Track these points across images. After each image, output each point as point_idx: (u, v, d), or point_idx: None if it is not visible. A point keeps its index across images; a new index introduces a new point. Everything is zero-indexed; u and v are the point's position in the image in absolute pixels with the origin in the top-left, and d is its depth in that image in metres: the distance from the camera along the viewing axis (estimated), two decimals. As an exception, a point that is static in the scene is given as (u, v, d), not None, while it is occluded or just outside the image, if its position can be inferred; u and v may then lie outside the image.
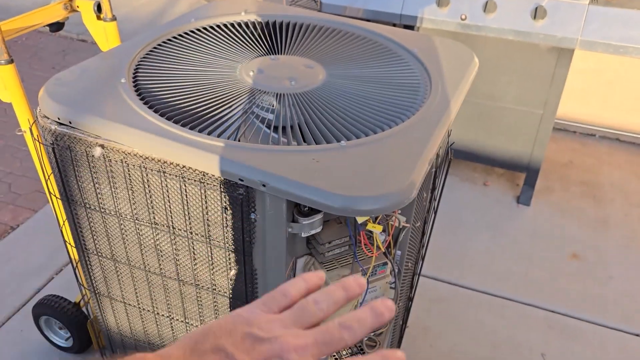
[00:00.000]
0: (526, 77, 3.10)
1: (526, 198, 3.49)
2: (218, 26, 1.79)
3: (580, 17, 2.77)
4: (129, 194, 1.36)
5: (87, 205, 1.46)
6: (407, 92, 1.52)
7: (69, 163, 1.38)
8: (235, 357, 0.52)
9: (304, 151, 1.23)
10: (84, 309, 2.30)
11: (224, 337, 0.54)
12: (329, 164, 1.19)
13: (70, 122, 1.32)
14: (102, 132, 1.29)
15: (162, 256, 1.45)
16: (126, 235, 1.46)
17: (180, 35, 1.72)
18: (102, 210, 1.44)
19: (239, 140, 1.30)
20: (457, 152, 3.45)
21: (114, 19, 1.96)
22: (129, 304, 1.65)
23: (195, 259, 1.40)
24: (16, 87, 1.69)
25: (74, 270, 1.76)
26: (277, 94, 1.45)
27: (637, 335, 2.68)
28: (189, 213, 1.31)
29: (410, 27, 3.06)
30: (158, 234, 1.40)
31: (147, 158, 1.27)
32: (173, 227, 1.37)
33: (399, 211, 1.36)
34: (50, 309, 2.28)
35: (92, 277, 1.66)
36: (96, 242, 1.54)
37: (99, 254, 1.57)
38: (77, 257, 1.65)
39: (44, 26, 1.89)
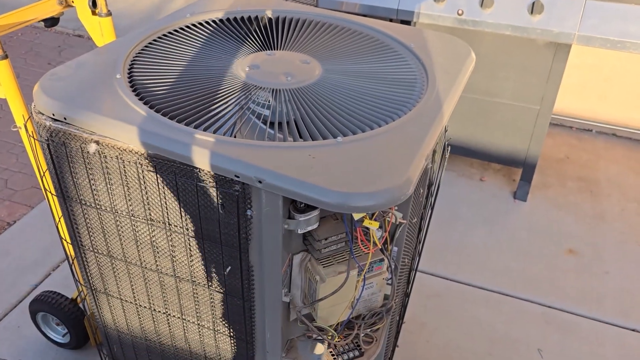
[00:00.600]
0: (523, 72, 3.10)
1: (523, 193, 3.49)
2: (214, 21, 1.78)
3: (577, 12, 2.76)
4: (124, 191, 1.35)
5: (83, 202, 1.45)
6: (403, 87, 1.51)
7: (64, 159, 1.38)
8: None
9: (300, 147, 1.22)
10: (80, 305, 2.29)
11: None
12: (325, 160, 1.19)
13: (65, 118, 1.31)
14: (97, 128, 1.28)
15: (158, 253, 1.45)
16: (122, 232, 1.45)
17: (175, 30, 1.71)
18: (98, 206, 1.43)
19: (234, 137, 1.30)
20: (453, 147, 3.45)
21: (109, 14, 1.95)
22: (126, 301, 1.65)
23: (191, 256, 1.40)
24: (11, 82, 1.68)
25: (70, 266, 1.75)
26: (273, 90, 1.45)
27: (634, 330, 2.69)
28: (184, 210, 1.31)
29: (407, 23, 3.05)
30: (154, 230, 1.40)
31: (142, 154, 1.26)
32: (169, 224, 1.36)
33: (396, 207, 1.36)
34: (47, 305, 2.28)
35: (89, 274, 1.65)
36: (92, 238, 1.53)
37: (95, 250, 1.56)
38: (73, 253, 1.64)
39: (39, 21, 1.88)
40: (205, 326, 1.56)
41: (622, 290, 2.90)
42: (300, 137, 1.30)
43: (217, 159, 1.18)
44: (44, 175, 1.53)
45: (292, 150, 1.21)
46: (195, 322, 1.56)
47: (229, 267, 1.36)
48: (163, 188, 1.29)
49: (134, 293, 1.61)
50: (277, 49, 1.67)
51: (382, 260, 1.40)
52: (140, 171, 1.29)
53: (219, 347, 1.59)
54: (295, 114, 1.38)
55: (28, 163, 3.64)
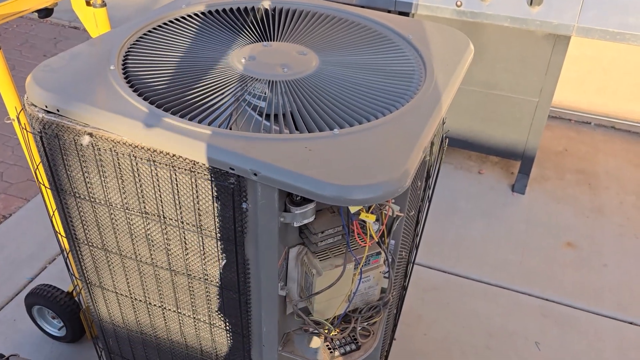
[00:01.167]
0: (522, 64, 3.08)
1: (521, 186, 3.49)
2: (209, 12, 1.76)
3: (577, 4, 2.74)
4: (118, 183, 1.34)
5: (77, 195, 1.44)
6: (401, 79, 1.50)
7: (58, 152, 1.36)
8: None
9: (296, 139, 1.21)
10: (76, 298, 2.28)
11: None
12: (322, 152, 1.17)
13: (58, 110, 1.29)
14: (90, 120, 1.27)
15: (153, 246, 1.43)
16: (116, 225, 1.44)
17: (170, 21, 1.69)
18: (92, 199, 1.42)
19: (230, 129, 1.28)
20: (451, 140, 3.44)
21: (103, 5, 1.92)
22: (121, 294, 1.64)
23: (186, 249, 1.39)
24: (3, 73, 1.66)
25: (65, 260, 1.74)
26: (269, 81, 1.43)
27: (632, 323, 2.69)
28: (179, 202, 1.29)
29: (405, 14, 3.03)
30: (149, 223, 1.38)
31: (136, 147, 1.24)
32: (164, 217, 1.35)
33: (393, 200, 1.35)
34: (42, 299, 2.26)
35: (84, 267, 1.64)
36: (86, 231, 1.52)
37: (90, 243, 1.55)
38: (67, 246, 1.63)
39: (33, 12, 1.86)
40: (201, 320, 1.54)
41: (620, 283, 2.90)
42: (297, 129, 1.29)
43: (212, 151, 1.16)
44: (37, 168, 1.51)
45: (288, 143, 1.19)
46: (191, 316, 1.55)
47: (225, 261, 1.35)
48: (157, 180, 1.28)
49: (129, 286, 1.59)
50: (273, 40, 1.65)
51: (379, 253, 1.39)
52: (134, 164, 1.27)
53: (215, 340, 1.58)
54: (292, 105, 1.36)
55: (24, 156, 3.62)
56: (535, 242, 3.14)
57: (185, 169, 1.22)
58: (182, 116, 1.26)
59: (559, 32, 2.82)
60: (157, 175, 1.27)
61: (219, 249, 1.33)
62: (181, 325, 1.60)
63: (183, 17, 1.71)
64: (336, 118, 1.31)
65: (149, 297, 1.59)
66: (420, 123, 1.30)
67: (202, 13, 1.75)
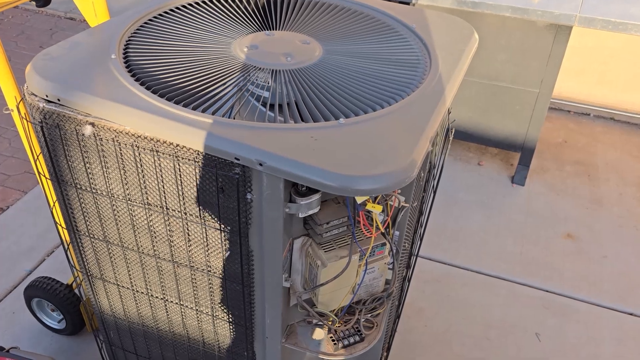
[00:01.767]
0: (523, 55, 3.07)
1: (520, 178, 3.48)
2: (211, 0, 1.73)
3: (578, -6, 2.73)
4: (121, 174, 1.32)
5: (78, 186, 1.42)
6: (406, 68, 1.48)
7: (59, 142, 1.34)
8: None
9: (301, 129, 1.19)
10: (76, 290, 2.27)
11: None
12: (328, 142, 1.16)
13: (59, 100, 1.27)
14: (92, 109, 1.25)
15: (155, 237, 1.42)
16: (118, 216, 1.42)
17: (172, 10, 1.66)
18: (94, 190, 1.40)
19: (233, 119, 1.26)
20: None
21: (102, -7, 1.89)
22: (122, 286, 1.62)
23: (189, 240, 1.37)
24: (2, 62, 1.63)
25: (66, 252, 1.72)
26: (272, 71, 1.41)
27: (632, 314, 2.70)
28: (183, 193, 1.28)
29: (406, 3, 3.00)
30: (151, 214, 1.37)
31: (139, 137, 1.23)
32: (167, 208, 1.33)
33: (399, 191, 1.33)
34: (41, 291, 2.25)
35: (84, 259, 1.62)
36: (88, 223, 1.50)
37: (91, 235, 1.53)
38: (68, 238, 1.61)
39: (30, 1, 1.83)
40: (204, 312, 1.53)
41: (619, 275, 2.90)
42: (301, 119, 1.27)
43: (216, 141, 1.15)
44: (37, 158, 1.49)
45: (293, 132, 1.18)
46: (194, 308, 1.54)
47: (228, 252, 1.34)
48: (160, 171, 1.26)
49: (131, 279, 1.58)
50: (276, 29, 1.63)
51: (383, 244, 1.38)
52: (137, 154, 1.26)
53: (217, 332, 1.57)
54: (296, 95, 1.34)
55: (21, 147, 3.59)
56: (535, 234, 3.14)
57: (189, 159, 1.20)
58: (185, 105, 1.24)
59: (560, 22, 2.80)
60: (160, 165, 1.25)
61: (222, 240, 1.32)
62: (183, 317, 1.59)
63: (184, 6, 1.69)
64: (341, 107, 1.30)
65: (151, 289, 1.57)
66: (426, 113, 1.29)
67: (204, 2, 1.72)
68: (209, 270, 1.41)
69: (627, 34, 2.72)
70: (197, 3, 1.71)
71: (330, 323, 1.46)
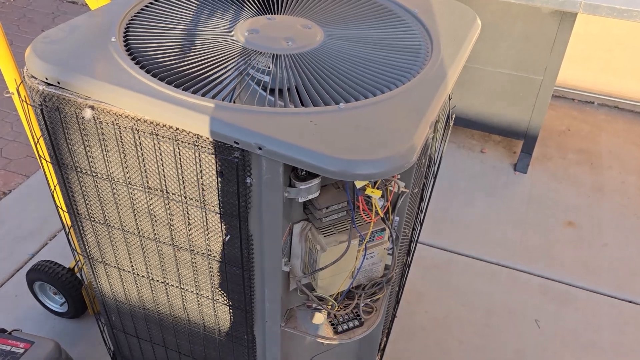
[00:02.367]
0: (526, 42, 3.05)
1: (523, 165, 3.48)
2: (212, -16, 1.72)
3: (584, -20, 2.70)
4: (121, 157, 1.32)
5: (79, 169, 1.42)
6: (407, 53, 1.47)
7: (59, 125, 1.34)
8: None
9: (301, 113, 1.19)
10: (78, 274, 2.28)
11: None
12: (327, 126, 1.16)
13: (58, 82, 1.27)
14: (92, 92, 1.24)
15: (155, 221, 1.42)
16: (119, 200, 1.43)
17: (172, -7, 1.65)
18: (94, 174, 1.40)
19: (234, 103, 1.26)
20: (454, 118, 3.41)
21: (103, -24, 1.88)
22: (123, 270, 1.63)
23: (189, 224, 1.38)
24: (2, 45, 1.63)
25: (67, 235, 1.73)
26: (273, 55, 1.41)
27: (631, 302, 2.70)
28: (182, 177, 1.28)
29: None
30: (151, 198, 1.37)
31: (139, 120, 1.22)
32: (167, 192, 1.33)
33: (399, 176, 1.33)
34: (44, 275, 2.26)
35: (85, 243, 1.63)
36: (88, 206, 1.51)
37: (92, 219, 1.54)
38: (69, 222, 1.62)
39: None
40: (204, 295, 1.54)
41: (619, 263, 2.91)
42: (302, 103, 1.27)
43: (215, 125, 1.14)
44: (38, 141, 1.49)
45: (293, 116, 1.17)
46: (194, 292, 1.55)
47: (228, 236, 1.34)
48: (160, 155, 1.26)
49: (131, 262, 1.59)
50: (277, 14, 1.62)
51: (383, 229, 1.38)
52: (136, 137, 1.26)
53: (217, 316, 1.58)
54: (297, 80, 1.34)
55: (23, 132, 3.59)
56: (536, 221, 3.14)
57: (189, 143, 1.20)
58: (185, 89, 1.24)
59: (565, 9, 2.78)
60: (160, 149, 1.25)
61: (222, 224, 1.32)
62: (184, 301, 1.60)
63: (185, -11, 1.68)
64: (341, 92, 1.29)
65: (151, 273, 1.58)
66: (426, 98, 1.28)
67: (204, -15, 1.71)
68: (208, 254, 1.42)
69: (632, 21, 2.69)
70: (198, -14, 1.70)
71: (329, 307, 1.47)
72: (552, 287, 2.75)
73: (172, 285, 1.58)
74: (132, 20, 1.50)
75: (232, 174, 1.20)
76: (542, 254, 2.93)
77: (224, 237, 1.35)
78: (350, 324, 1.51)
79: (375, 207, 1.28)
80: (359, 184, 1.23)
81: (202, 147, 1.20)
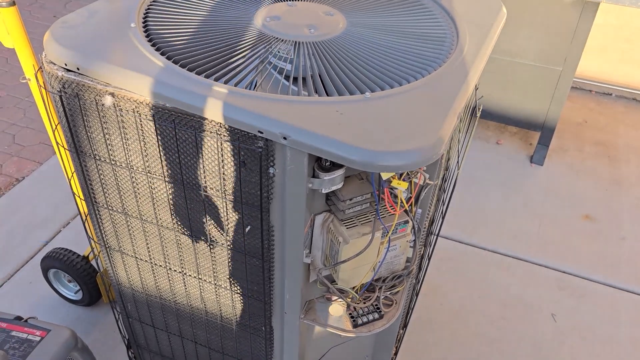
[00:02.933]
0: (547, 31, 2.99)
1: (539, 157, 3.43)
2: (231, -31, 1.69)
3: (608, -32, 2.64)
4: (141, 146, 1.30)
5: (97, 157, 1.40)
6: (432, 42, 1.44)
7: (78, 112, 1.32)
8: None
9: (326, 103, 1.16)
10: (92, 262, 2.28)
11: None
12: (354, 116, 1.13)
13: (78, 69, 1.25)
14: (111, 79, 1.22)
15: (175, 211, 1.40)
16: (138, 189, 1.41)
17: (191, -22, 1.62)
18: (113, 162, 1.38)
19: (256, 91, 1.23)
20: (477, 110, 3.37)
21: (120, -39, 1.85)
22: (141, 259, 1.62)
23: (209, 215, 1.36)
24: (19, 30, 1.61)
25: (83, 223, 1.72)
26: (295, 42, 1.37)
27: (649, 296, 2.67)
28: (204, 167, 1.26)
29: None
30: (171, 187, 1.35)
31: (159, 108, 1.20)
32: (187, 181, 1.31)
33: (425, 168, 1.30)
34: (58, 262, 2.26)
35: (102, 231, 1.62)
36: (106, 195, 1.49)
37: (110, 207, 1.52)
38: (86, 210, 1.60)
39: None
40: (222, 286, 1.53)
41: (637, 256, 2.86)
42: (325, 92, 1.24)
43: (239, 114, 1.12)
44: (55, 128, 1.47)
45: (318, 106, 1.15)
46: (212, 282, 1.53)
47: (249, 227, 1.32)
48: (182, 144, 1.24)
49: (149, 251, 1.57)
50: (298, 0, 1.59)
51: (406, 222, 1.35)
52: (157, 126, 1.23)
53: (235, 307, 1.56)
54: (319, 68, 1.30)
55: (35, 118, 3.58)
56: (553, 214, 3.10)
57: (211, 132, 1.18)
58: (205, 77, 1.21)
59: (587, -2, 2.72)
60: (180, 138, 1.23)
61: (243, 215, 1.30)
62: (201, 291, 1.59)
63: (204, -26, 1.64)
64: (366, 81, 1.26)
65: (169, 263, 1.57)
66: (454, 88, 1.25)
67: (224, -30, 1.67)
68: (228, 245, 1.40)
69: (656, 10, 2.63)
70: (217, -29, 1.66)
71: (350, 300, 1.45)
72: (569, 280, 2.72)
73: (190, 275, 1.56)
74: (151, 5, 1.47)
75: (255, 164, 1.18)
76: (559, 247, 2.90)
77: (244, 228, 1.33)
78: (370, 317, 1.48)
79: (401, 199, 1.25)
80: (385, 176, 1.20)
81: (224, 136, 1.17)
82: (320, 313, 1.50)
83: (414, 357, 2.32)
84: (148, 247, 1.56)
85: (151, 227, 1.49)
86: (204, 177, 1.28)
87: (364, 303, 1.46)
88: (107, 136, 1.33)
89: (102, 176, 1.44)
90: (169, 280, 1.62)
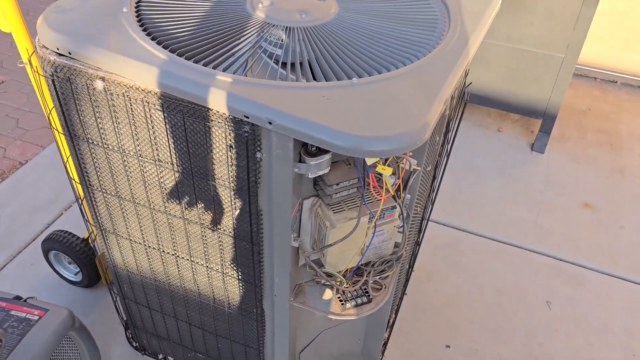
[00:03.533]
0: (549, 17, 2.96)
1: (541, 145, 3.42)
2: (225, -46, 1.69)
3: (611, -46, 2.60)
4: (131, 130, 1.32)
5: (90, 141, 1.42)
6: (423, 28, 1.44)
7: (70, 96, 1.34)
8: None
9: (313, 88, 1.17)
10: (91, 244, 2.31)
11: None
12: (339, 101, 1.14)
13: (69, 53, 1.26)
14: (102, 63, 1.23)
15: (166, 194, 1.42)
16: (130, 172, 1.43)
17: (185, -37, 1.62)
18: (105, 145, 1.40)
19: (245, 76, 1.24)
20: (470, 96, 3.35)
21: (116, -55, 1.85)
22: (135, 241, 1.64)
23: (199, 198, 1.37)
24: (16, 15, 1.62)
25: (80, 206, 1.74)
26: (286, 28, 1.38)
27: (645, 285, 2.67)
28: (192, 151, 1.27)
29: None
30: (162, 171, 1.37)
31: (149, 92, 1.21)
32: (176, 165, 1.33)
33: (411, 153, 1.31)
34: (58, 244, 2.29)
35: (97, 214, 1.64)
36: (100, 178, 1.51)
37: (104, 190, 1.54)
38: (82, 193, 1.63)
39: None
40: (214, 269, 1.55)
41: (636, 246, 2.86)
42: (314, 78, 1.25)
43: (225, 98, 1.13)
44: (50, 112, 1.49)
45: (304, 91, 1.16)
46: (204, 265, 1.56)
47: (238, 211, 1.34)
48: (170, 128, 1.25)
49: (142, 234, 1.60)
50: (291, -15, 1.59)
51: (394, 207, 1.36)
52: (147, 110, 1.25)
53: (227, 289, 1.59)
54: (309, 54, 1.31)
55: (39, 103, 3.61)
56: (552, 202, 3.10)
57: (198, 116, 1.19)
58: (195, 62, 1.22)
59: (590, -16, 2.69)
60: (169, 122, 1.24)
61: (232, 198, 1.32)
62: (194, 273, 1.61)
63: (198, -41, 1.65)
64: (355, 67, 1.27)
65: (162, 245, 1.59)
66: (442, 74, 1.26)
67: (218, -45, 1.68)
68: (218, 228, 1.42)
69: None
70: (211, -44, 1.67)
71: (338, 284, 1.47)
72: (566, 268, 2.73)
73: (183, 257, 1.59)
74: (144, -10, 1.48)
75: (242, 148, 1.19)
76: (557, 235, 2.90)
77: (233, 211, 1.35)
78: (359, 301, 1.50)
79: (386, 184, 1.26)
80: (369, 161, 1.21)
81: (211, 120, 1.18)
82: (310, 296, 1.52)
83: (407, 342, 2.34)
84: (141, 230, 1.58)
85: (143, 209, 1.51)
86: (193, 161, 1.30)
87: (353, 287, 1.48)
88: (98, 120, 1.35)
89: (95, 159, 1.47)
90: (163, 262, 1.65)
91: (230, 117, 1.15)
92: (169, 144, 1.29)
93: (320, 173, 1.22)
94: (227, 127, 1.17)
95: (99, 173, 1.50)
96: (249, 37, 1.35)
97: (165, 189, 1.41)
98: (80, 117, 1.37)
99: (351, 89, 1.18)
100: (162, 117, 1.24)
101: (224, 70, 1.22)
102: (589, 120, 3.73)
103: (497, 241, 2.84)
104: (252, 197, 1.28)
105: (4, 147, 3.27)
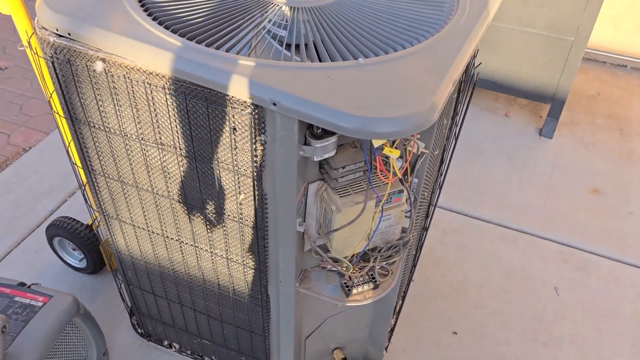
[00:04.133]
0: (558, 0, 2.90)
1: (549, 130, 3.37)
2: None
3: None
4: (133, 112, 1.29)
5: (91, 124, 1.40)
6: (431, 7, 1.40)
7: (70, 78, 1.31)
8: None
9: (318, 68, 1.14)
10: (95, 231, 2.30)
11: None
12: (345, 82, 1.10)
13: (69, 34, 1.23)
14: (102, 44, 1.21)
15: (169, 178, 1.40)
16: (132, 156, 1.40)
17: (187, -58, 1.59)
18: (107, 129, 1.38)
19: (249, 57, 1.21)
20: (478, 80, 3.31)
21: None
22: (138, 227, 1.63)
23: (203, 183, 1.35)
24: (15, -4, 1.59)
25: (82, 192, 1.73)
26: (291, 7, 1.35)
27: (655, 271, 2.64)
28: (195, 134, 1.25)
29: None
30: (165, 155, 1.35)
31: (150, 73, 1.19)
32: (179, 148, 1.30)
33: (418, 136, 1.28)
34: (62, 230, 2.28)
35: (100, 199, 1.62)
36: (102, 163, 1.49)
37: (106, 175, 1.52)
38: (84, 178, 1.61)
39: None
40: (218, 254, 1.53)
41: (645, 231, 2.83)
42: (319, 59, 1.21)
43: (229, 79, 1.10)
44: (51, 96, 1.46)
45: (309, 72, 1.12)
46: (208, 250, 1.54)
47: (242, 195, 1.31)
48: (172, 110, 1.23)
49: (146, 219, 1.58)
50: (295, -36, 1.55)
51: (401, 191, 1.34)
52: (148, 92, 1.22)
53: (232, 275, 1.57)
54: (315, 35, 1.28)
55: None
56: (560, 187, 3.06)
57: (201, 98, 1.16)
58: (198, 42, 1.19)
59: (601, -36, 2.63)
60: (172, 104, 1.21)
61: (235, 182, 1.29)
62: (198, 259, 1.60)
63: (200, -62, 1.61)
64: (361, 47, 1.24)
65: (166, 231, 1.57)
66: (450, 54, 1.22)
67: None
68: (222, 213, 1.39)
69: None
70: None
71: (344, 269, 1.45)
72: (574, 254, 2.70)
73: (187, 243, 1.57)
74: (145, -30, 1.44)
75: (246, 130, 1.17)
76: (565, 220, 2.87)
77: (237, 196, 1.32)
78: (365, 287, 1.48)
79: (393, 167, 1.23)
80: (376, 143, 1.18)
81: (214, 102, 1.16)
82: (315, 282, 1.50)
83: (414, 328, 2.33)
84: (145, 215, 1.56)
85: (146, 194, 1.49)
86: (196, 145, 1.27)
87: (359, 272, 1.46)
88: (99, 103, 1.32)
89: (97, 143, 1.44)
90: (166, 248, 1.63)
91: (234, 98, 1.12)
92: (171, 127, 1.27)
93: (326, 156, 1.19)
94: (230, 109, 1.15)
95: (100, 157, 1.48)
96: (253, 16, 1.32)
97: (168, 173, 1.39)
98: (81, 100, 1.35)
99: (357, 70, 1.15)
100: (164, 99, 1.21)
101: (227, 50, 1.19)
102: (598, 105, 3.68)
103: (505, 227, 2.81)
104: (257, 180, 1.25)
105: (8, 133, 3.25)
